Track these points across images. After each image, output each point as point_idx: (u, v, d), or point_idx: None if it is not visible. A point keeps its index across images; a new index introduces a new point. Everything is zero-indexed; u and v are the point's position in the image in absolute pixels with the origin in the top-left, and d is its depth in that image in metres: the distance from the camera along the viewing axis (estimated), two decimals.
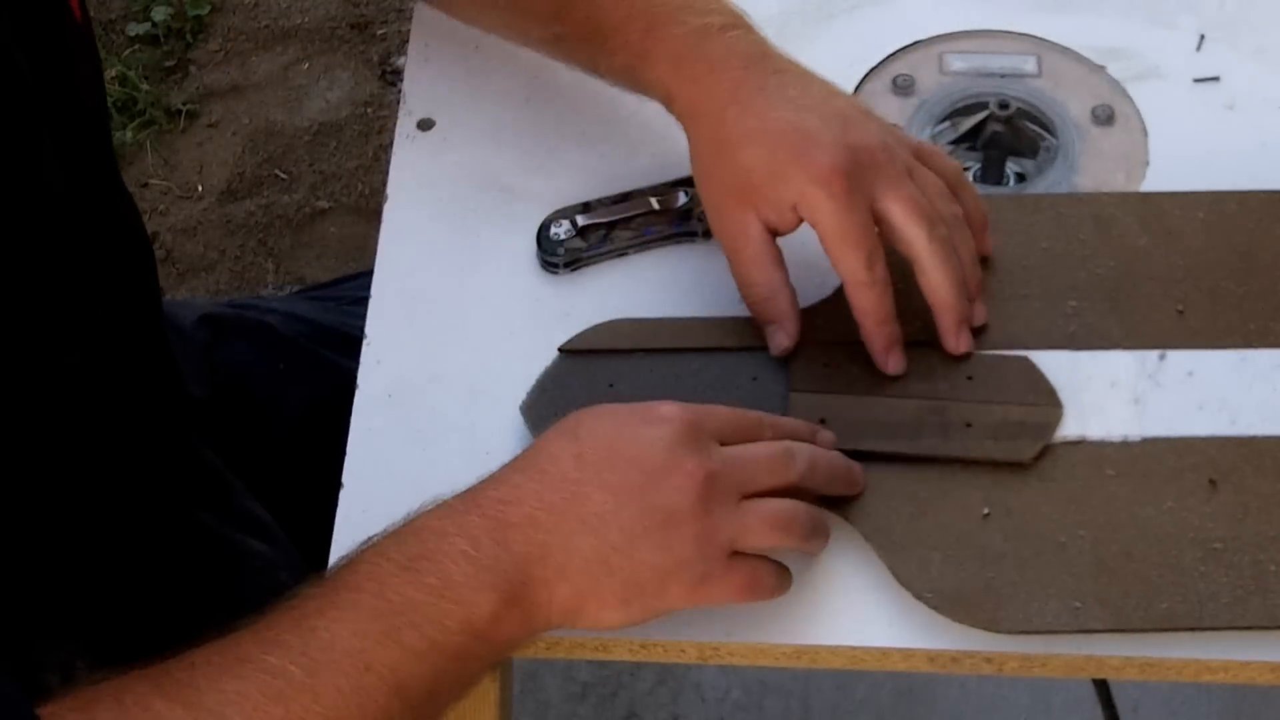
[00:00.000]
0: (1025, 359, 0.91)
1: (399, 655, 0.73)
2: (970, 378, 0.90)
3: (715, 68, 0.90)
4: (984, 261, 0.93)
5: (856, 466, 0.85)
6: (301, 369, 1.12)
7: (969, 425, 0.88)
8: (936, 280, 0.88)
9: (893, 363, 0.89)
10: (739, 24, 0.93)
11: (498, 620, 0.75)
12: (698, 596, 0.78)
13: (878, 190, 0.87)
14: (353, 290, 1.20)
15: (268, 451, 1.09)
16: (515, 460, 0.79)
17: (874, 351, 0.89)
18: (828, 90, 0.91)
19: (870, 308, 0.88)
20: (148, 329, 1.01)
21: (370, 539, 0.77)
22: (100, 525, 0.93)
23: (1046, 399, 0.89)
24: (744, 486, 0.79)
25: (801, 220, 0.88)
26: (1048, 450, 0.87)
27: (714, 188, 0.91)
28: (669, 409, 0.80)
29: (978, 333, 0.91)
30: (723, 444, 0.80)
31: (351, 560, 0.76)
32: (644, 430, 0.79)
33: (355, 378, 0.93)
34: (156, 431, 1.00)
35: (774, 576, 0.81)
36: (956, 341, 0.90)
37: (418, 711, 0.75)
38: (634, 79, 0.95)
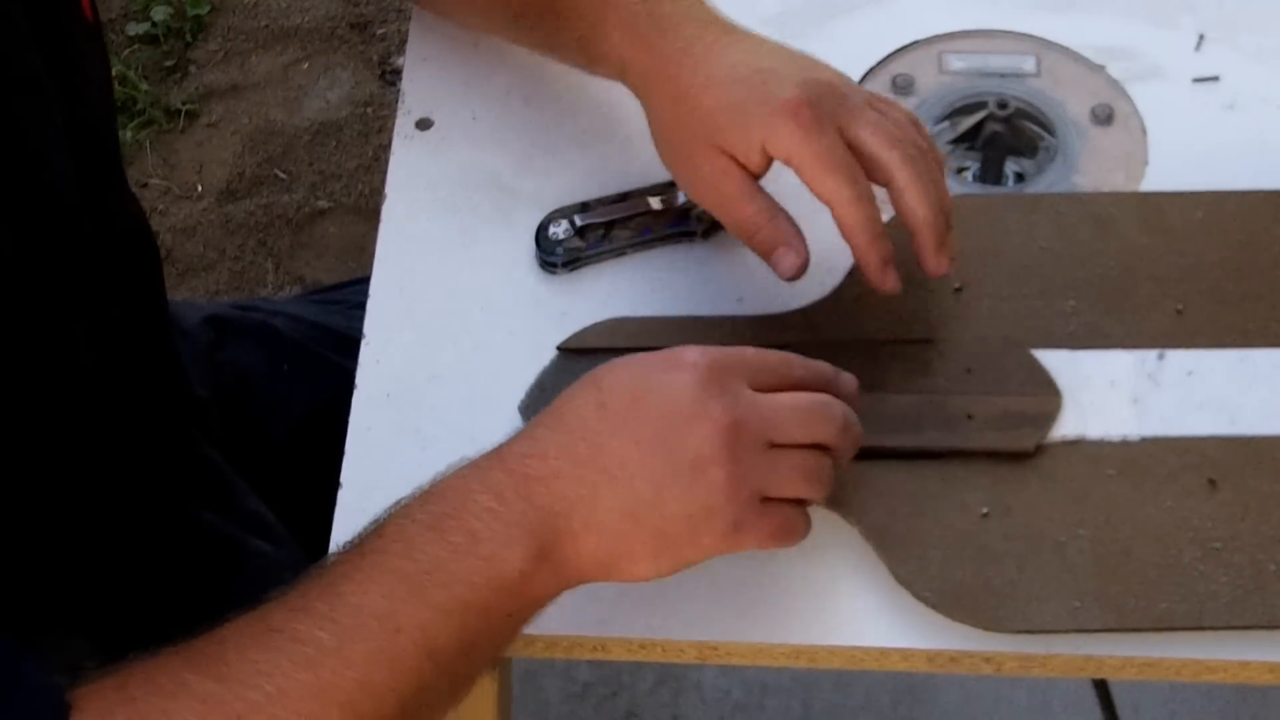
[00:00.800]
0: (1022, 348, 0.91)
1: (428, 615, 0.73)
2: (969, 370, 0.90)
3: (667, 32, 0.90)
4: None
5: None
6: (306, 370, 1.12)
7: (970, 417, 0.88)
8: (915, 199, 0.86)
9: (890, 280, 0.87)
10: None
11: (527, 576, 0.74)
12: (730, 544, 0.77)
13: (844, 120, 0.86)
14: (357, 294, 1.19)
15: (272, 451, 1.10)
16: (540, 416, 0.78)
17: (869, 270, 0.87)
18: (780, 46, 0.91)
19: (860, 223, 0.85)
20: (154, 329, 1.01)
21: (398, 502, 0.77)
22: (105, 524, 0.93)
23: (1045, 388, 0.89)
24: (773, 434, 0.77)
25: (771, 160, 0.87)
26: (1047, 449, 0.87)
27: (680, 142, 0.90)
28: (692, 354, 0.78)
29: (977, 332, 0.91)
30: (754, 388, 0.78)
31: (378, 524, 0.76)
32: (666, 377, 0.77)
33: None
34: (161, 431, 1.00)
35: (804, 521, 0.79)
36: (937, 261, 0.87)
37: (451, 671, 0.75)
38: (588, 52, 0.95)
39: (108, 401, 0.91)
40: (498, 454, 0.77)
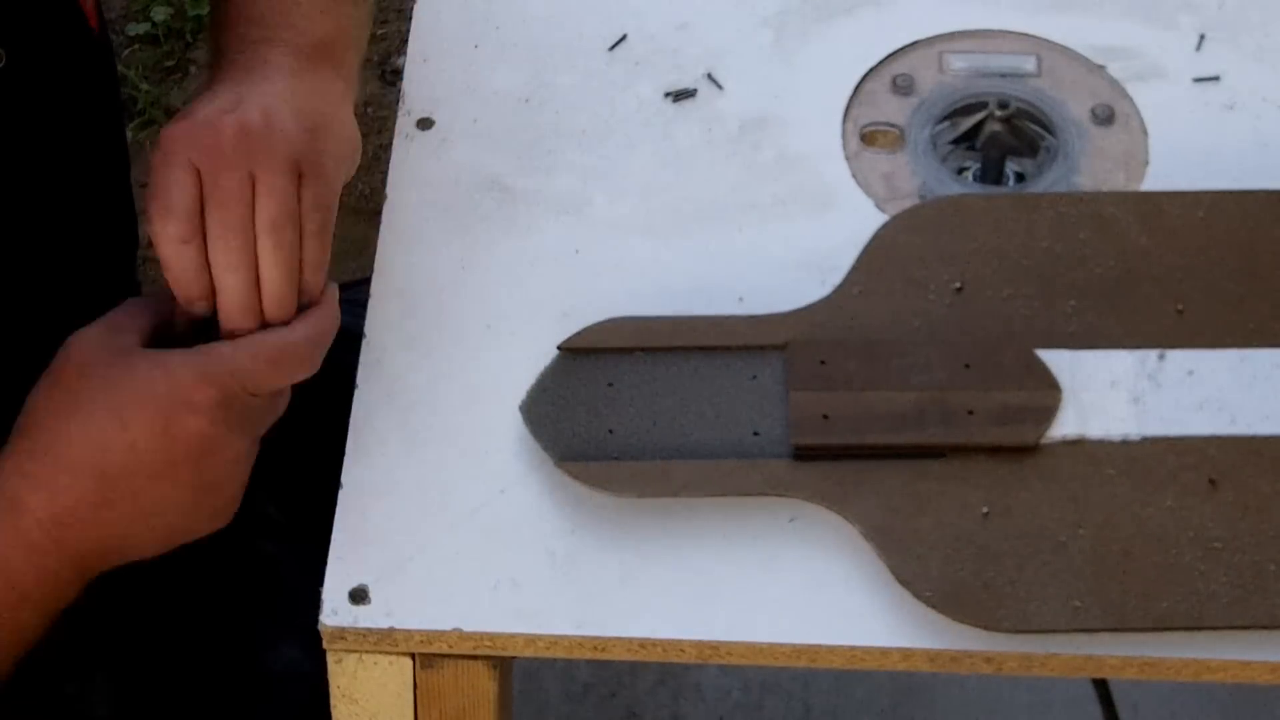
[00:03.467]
0: (1019, 343, 0.91)
1: None
2: (968, 365, 0.90)
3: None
4: None
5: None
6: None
7: (971, 413, 0.88)
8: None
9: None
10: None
11: None
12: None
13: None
14: (365, 294, 1.20)
15: (281, 449, 1.09)
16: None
17: None
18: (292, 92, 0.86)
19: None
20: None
21: None
22: None
23: (1044, 382, 0.89)
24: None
25: None
26: (1047, 449, 0.87)
27: None
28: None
29: (977, 332, 0.91)
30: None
31: None
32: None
33: None
34: None
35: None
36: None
37: None
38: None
39: None
40: None
